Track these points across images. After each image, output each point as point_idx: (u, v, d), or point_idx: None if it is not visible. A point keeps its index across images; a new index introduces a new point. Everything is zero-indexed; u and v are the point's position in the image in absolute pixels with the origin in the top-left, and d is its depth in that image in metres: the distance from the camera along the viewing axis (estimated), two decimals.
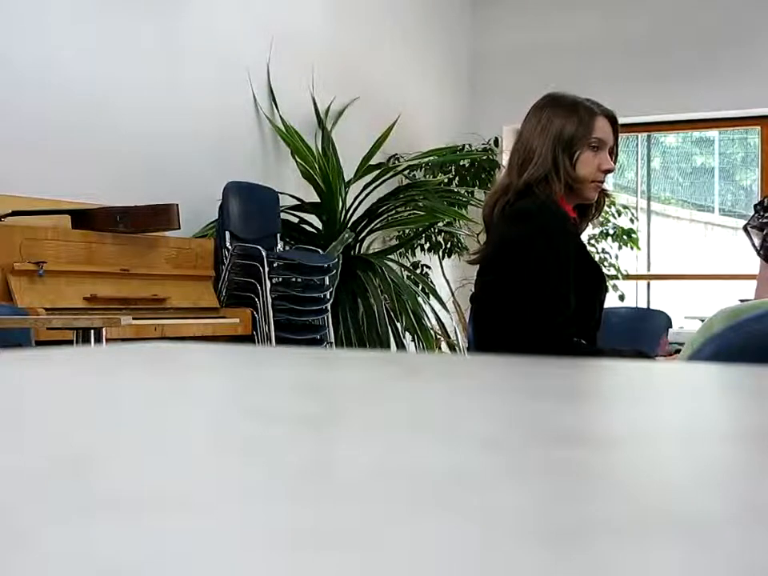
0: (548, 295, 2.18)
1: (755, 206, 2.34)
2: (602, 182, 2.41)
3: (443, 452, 0.40)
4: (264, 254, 4.53)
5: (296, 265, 4.68)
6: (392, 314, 5.09)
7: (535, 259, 2.21)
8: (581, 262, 2.31)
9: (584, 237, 2.47)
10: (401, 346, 5.14)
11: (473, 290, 2.40)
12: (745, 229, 2.33)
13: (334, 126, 5.66)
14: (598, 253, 6.31)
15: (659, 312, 4.72)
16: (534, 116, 2.39)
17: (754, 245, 2.30)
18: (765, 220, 2.28)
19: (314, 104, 5.54)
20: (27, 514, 0.29)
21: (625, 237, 6.42)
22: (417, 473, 0.35)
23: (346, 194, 5.41)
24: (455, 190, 5.92)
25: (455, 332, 5.77)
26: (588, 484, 0.35)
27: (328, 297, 4.77)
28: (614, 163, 2.45)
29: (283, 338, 4.54)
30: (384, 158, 5.96)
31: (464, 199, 5.80)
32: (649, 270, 7.36)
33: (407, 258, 6.09)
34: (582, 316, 2.28)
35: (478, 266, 2.38)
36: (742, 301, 2.31)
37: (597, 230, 6.37)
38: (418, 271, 6.01)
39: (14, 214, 3.77)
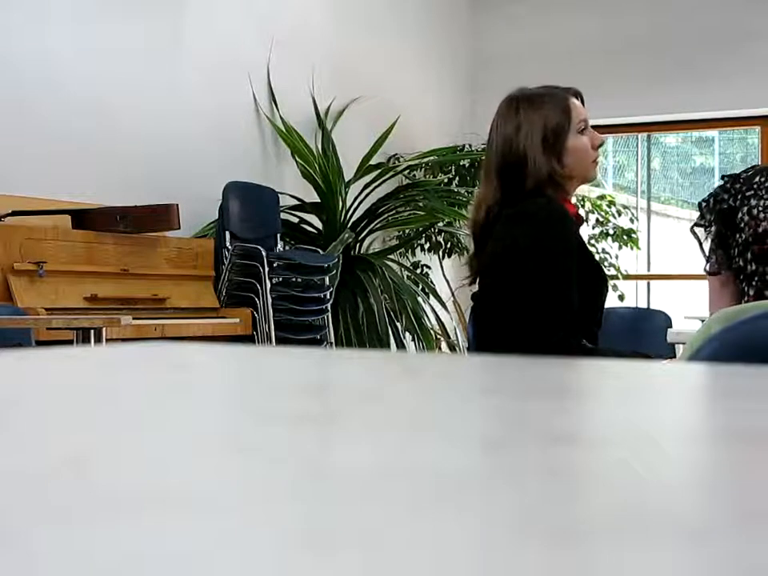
0: (551, 299, 2.17)
1: (699, 203, 2.29)
2: (598, 156, 2.39)
3: (443, 452, 0.40)
4: (264, 253, 4.53)
5: (296, 265, 4.68)
6: (392, 314, 5.09)
7: (538, 263, 2.19)
8: (583, 261, 2.30)
9: (584, 237, 2.44)
10: (401, 346, 5.13)
11: (473, 289, 2.40)
12: (692, 230, 2.29)
13: (334, 126, 5.66)
14: (598, 253, 6.30)
15: (659, 312, 4.72)
16: (507, 120, 2.31)
17: (701, 248, 2.27)
18: (707, 220, 2.22)
19: (314, 104, 5.53)
20: (27, 514, 0.29)
21: (625, 237, 6.42)
22: (416, 473, 0.35)
23: (346, 194, 5.41)
24: (455, 190, 5.92)
25: (455, 332, 5.77)
26: (587, 484, 0.35)
27: (328, 297, 4.77)
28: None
29: (283, 337, 4.54)
30: (384, 158, 5.96)
31: (464, 199, 5.80)
32: (649, 270, 7.36)
33: (407, 257, 6.09)
34: (584, 315, 2.27)
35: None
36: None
37: (597, 230, 6.38)
38: (418, 271, 6.01)
39: (14, 213, 3.77)
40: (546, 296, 2.17)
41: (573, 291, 2.20)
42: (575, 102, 2.35)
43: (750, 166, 2.27)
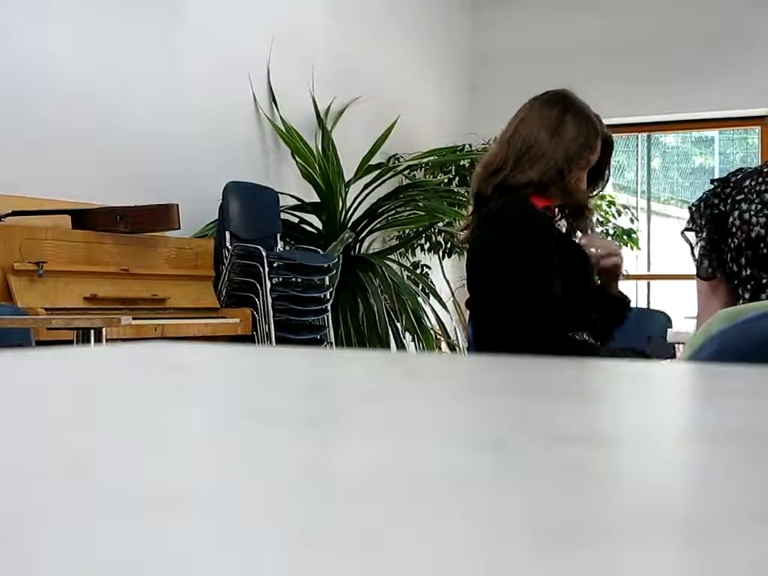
0: (531, 294, 2.19)
1: (689, 207, 2.27)
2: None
3: (443, 452, 0.40)
4: (264, 253, 4.53)
5: (296, 265, 4.68)
6: (392, 313, 5.09)
7: (513, 259, 2.21)
8: (561, 250, 2.30)
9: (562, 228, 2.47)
10: (401, 346, 5.13)
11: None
12: (682, 234, 2.28)
13: (334, 126, 5.66)
14: None
15: (659, 312, 4.72)
16: (546, 110, 2.33)
17: (692, 253, 2.25)
18: (698, 225, 2.20)
19: (314, 104, 5.53)
20: (27, 514, 0.29)
21: (625, 237, 6.42)
22: (416, 473, 0.35)
23: (346, 194, 5.41)
24: (455, 190, 5.92)
25: (455, 332, 5.77)
26: (587, 484, 0.35)
27: (328, 297, 4.77)
28: (605, 185, 2.51)
29: (283, 337, 4.54)
30: (384, 158, 5.96)
31: (464, 199, 5.79)
32: (649, 270, 7.36)
33: (407, 258, 6.09)
34: (574, 303, 2.27)
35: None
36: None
37: (597, 230, 6.37)
38: (418, 271, 6.01)
39: (14, 213, 3.77)
40: (528, 291, 2.18)
41: (553, 283, 2.21)
42: (599, 143, 2.38)
43: (737, 169, 2.25)
